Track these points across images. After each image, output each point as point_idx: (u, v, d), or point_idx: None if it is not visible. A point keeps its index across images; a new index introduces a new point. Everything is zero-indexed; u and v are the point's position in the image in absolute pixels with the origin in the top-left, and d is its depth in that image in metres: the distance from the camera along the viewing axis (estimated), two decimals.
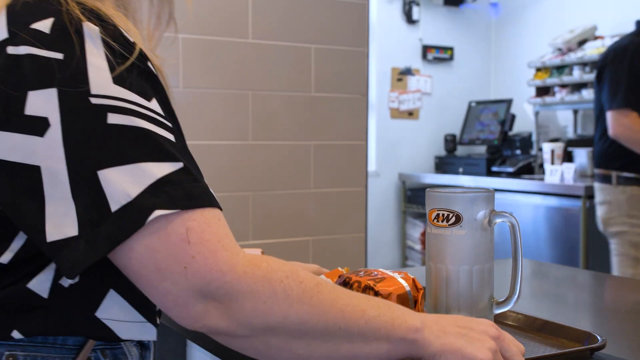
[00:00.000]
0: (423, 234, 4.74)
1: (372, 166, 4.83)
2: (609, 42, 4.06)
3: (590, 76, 3.94)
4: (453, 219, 0.94)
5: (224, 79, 2.29)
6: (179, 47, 2.20)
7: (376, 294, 0.93)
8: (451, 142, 4.89)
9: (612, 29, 4.25)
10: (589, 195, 3.64)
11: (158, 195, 0.67)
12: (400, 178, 4.85)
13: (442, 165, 4.82)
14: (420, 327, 0.74)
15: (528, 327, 0.99)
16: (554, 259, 3.81)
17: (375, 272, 0.99)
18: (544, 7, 4.82)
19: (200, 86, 2.25)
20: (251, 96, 2.33)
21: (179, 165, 0.69)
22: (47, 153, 0.67)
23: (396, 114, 4.88)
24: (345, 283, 0.98)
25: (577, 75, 4.04)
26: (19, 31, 0.70)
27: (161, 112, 0.72)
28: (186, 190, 0.69)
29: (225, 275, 0.67)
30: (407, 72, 4.89)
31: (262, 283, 0.68)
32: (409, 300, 0.95)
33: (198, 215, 0.69)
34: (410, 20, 4.87)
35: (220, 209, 0.73)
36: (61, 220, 0.67)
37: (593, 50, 4.03)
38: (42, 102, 0.68)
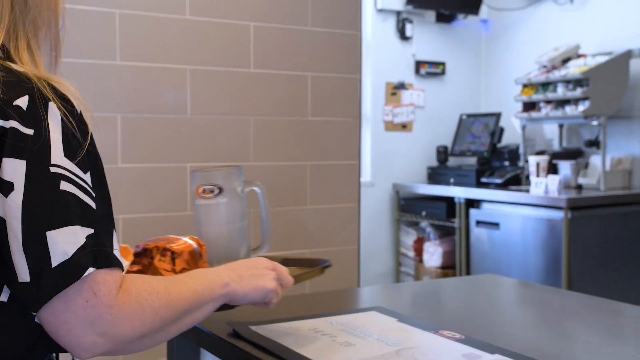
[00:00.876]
0: (416, 242, 4.94)
1: (367, 177, 5.03)
2: (590, 60, 4.27)
3: (574, 93, 4.15)
4: (217, 191, 1.29)
5: (229, 106, 2.49)
6: (186, 78, 2.41)
7: (172, 252, 1.17)
8: (443, 154, 5.09)
9: (594, 48, 4.45)
10: (571, 206, 3.85)
11: (87, 255, 0.86)
12: (394, 188, 5.05)
13: (434, 175, 5.02)
14: (228, 280, 1.03)
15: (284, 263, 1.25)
16: (539, 267, 4.01)
17: (167, 238, 1.22)
18: (531, 25, 5.03)
19: (207, 113, 2.45)
20: (253, 121, 2.53)
21: (91, 230, 0.88)
22: (9, 212, 0.85)
23: (390, 126, 5.08)
24: (146, 250, 1.18)
25: (560, 92, 4.24)
26: (6, 107, 0.88)
27: (90, 184, 0.91)
28: (99, 253, 0.88)
29: (112, 309, 0.87)
30: (401, 86, 5.09)
31: (135, 306, 0.89)
32: (196, 255, 1.21)
33: (102, 274, 0.88)
34: (403, 36, 5.08)
35: (120, 267, 0.91)
36: (20, 267, 0.85)
37: (576, 68, 4.23)
38: (12, 169, 0.86)
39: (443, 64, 5.24)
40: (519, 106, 4.58)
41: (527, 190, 4.22)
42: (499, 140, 4.88)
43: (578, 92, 4.12)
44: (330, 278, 2.66)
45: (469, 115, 5.13)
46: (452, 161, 5.17)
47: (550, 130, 4.82)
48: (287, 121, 2.60)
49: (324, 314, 1.35)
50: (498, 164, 4.79)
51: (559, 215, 3.87)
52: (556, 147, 4.74)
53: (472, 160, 5.03)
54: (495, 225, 4.30)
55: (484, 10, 5.29)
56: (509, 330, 1.34)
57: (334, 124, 2.69)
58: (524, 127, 4.68)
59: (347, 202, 2.74)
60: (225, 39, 2.48)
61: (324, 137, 2.68)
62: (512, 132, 4.94)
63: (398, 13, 5.05)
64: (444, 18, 5.19)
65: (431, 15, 5.14)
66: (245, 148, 2.52)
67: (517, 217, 4.15)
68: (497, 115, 4.89)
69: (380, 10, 4.99)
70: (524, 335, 1.31)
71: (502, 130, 4.89)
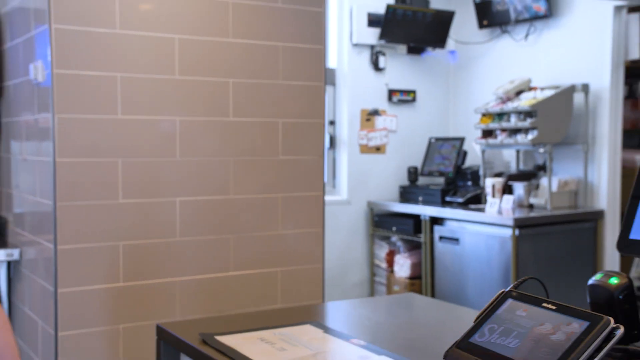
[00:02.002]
0: (388, 254, 5.41)
1: (344, 195, 5.50)
2: (539, 93, 4.75)
3: (524, 123, 4.63)
4: None
5: (212, 149, 2.95)
6: (176, 126, 2.88)
7: None
8: (413, 174, 5.57)
9: (544, 82, 4.94)
10: (518, 225, 4.32)
11: None
12: (368, 205, 5.52)
13: (405, 194, 5.49)
14: None
15: None
16: (492, 279, 4.48)
17: None
18: (492, 58, 5.51)
19: (194, 156, 2.92)
20: (233, 162, 3.00)
21: None
22: None
23: (365, 149, 5.55)
24: None
25: (513, 121, 4.72)
26: None
27: None
28: None
29: None
30: (375, 112, 5.57)
31: None
32: None
33: None
34: (377, 67, 5.55)
35: None
36: None
37: (526, 101, 4.71)
38: None
39: (414, 92, 5.72)
40: (479, 132, 5.06)
41: (484, 210, 4.70)
42: (463, 162, 5.36)
43: (527, 122, 4.61)
44: (298, 293, 3.15)
45: (438, 139, 5.60)
46: (421, 180, 5.64)
47: (509, 154, 5.31)
48: (262, 161, 3.07)
49: (272, 327, 1.82)
50: (462, 184, 5.27)
51: (508, 232, 4.35)
52: (513, 169, 5.22)
53: (440, 180, 5.50)
54: (456, 240, 4.78)
55: (451, 42, 5.77)
56: (406, 337, 1.81)
57: (302, 162, 3.16)
58: (483, 152, 5.15)
59: (313, 227, 3.21)
60: (208, 93, 2.95)
61: (294, 173, 3.15)
62: (475, 154, 5.41)
63: (372, 47, 5.53)
64: (415, 50, 5.67)
65: (402, 48, 5.62)
66: (226, 183, 2.99)
67: (474, 234, 4.63)
68: (461, 140, 5.37)
69: (356, 45, 5.47)
70: (416, 343, 1.77)
71: (465, 153, 5.36)
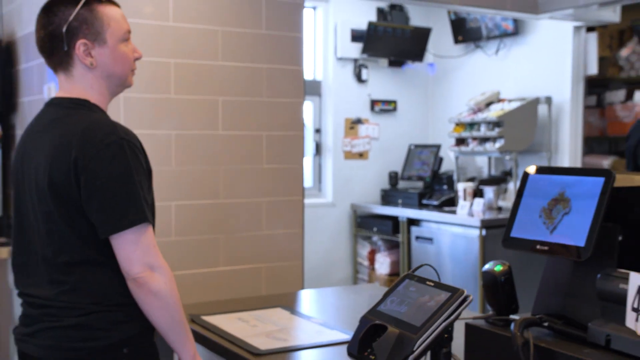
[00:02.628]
0: (370, 253, 5.80)
1: (329, 198, 5.89)
2: (507, 105, 5.15)
3: (492, 132, 5.02)
4: None
5: (203, 161, 3.34)
6: (172, 139, 3.26)
7: None
8: (394, 178, 5.96)
9: (512, 94, 5.33)
10: (485, 226, 4.72)
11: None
12: (352, 208, 5.91)
13: (387, 197, 5.88)
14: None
15: None
16: (463, 277, 4.87)
17: None
18: (466, 71, 5.90)
19: (188, 165, 3.30)
20: (222, 170, 3.39)
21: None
22: None
23: (349, 155, 5.94)
24: None
25: (482, 131, 5.12)
26: None
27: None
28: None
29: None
30: (358, 121, 5.96)
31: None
32: None
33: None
34: (360, 80, 5.95)
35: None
36: None
37: (494, 112, 5.10)
38: None
39: (395, 102, 6.11)
40: (453, 140, 5.45)
41: (456, 212, 5.09)
42: (439, 167, 5.76)
43: (495, 131, 5.00)
44: (280, 286, 3.54)
45: (417, 146, 5.99)
46: (401, 184, 6.03)
47: (481, 160, 5.70)
48: (248, 169, 3.45)
49: (250, 309, 2.21)
50: (438, 188, 5.66)
51: (476, 233, 4.74)
52: (485, 174, 5.62)
53: (419, 184, 5.89)
54: (430, 240, 5.17)
55: (430, 55, 6.16)
56: (357, 317, 2.19)
57: (284, 170, 3.55)
58: (457, 158, 5.55)
59: (293, 229, 3.60)
60: (200, 109, 3.33)
61: (276, 180, 3.53)
62: (451, 160, 5.81)
63: (355, 60, 5.92)
64: (395, 63, 6.07)
65: (384, 61, 6.01)
66: (216, 189, 3.38)
67: (447, 234, 5.02)
68: (438, 147, 5.76)
69: (340, 58, 5.86)
70: None
71: (441, 159, 5.76)
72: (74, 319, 1.63)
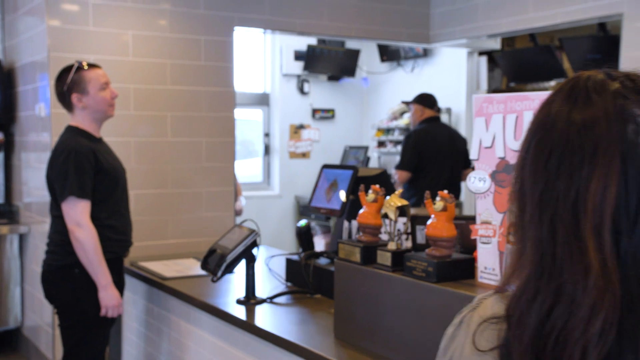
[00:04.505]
0: None
1: (277, 191, 6.97)
2: None
3: (402, 137, 6.10)
4: None
5: (156, 160, 4.41)
6: (131, 144, 4.32)
7: None
8: None
9: None
10: None
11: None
12: (296, 199, 6.99)
13: None
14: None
15: None
16: None
17: None
18: (391, 85, 6.98)
19: (144, 163, 4.37)
20: (170, 168, 4.46)
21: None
22: None
23: (294, 155, 7.02)
24: None
25: (396, 135, 6.20)
26: None
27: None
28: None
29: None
30: (301, 127, 7.04)
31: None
32: None
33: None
34: (302, 92, 7.03)
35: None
36: None
37: (405, 119, 6.19)
38: None
39: (333, 110, 7.19)
40: (376, 143, 6.54)
41: None
42: (367, 165, 6.85)
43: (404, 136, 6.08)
44: None
45: (351, 147, 7.08)
46: None
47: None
48: (191, 166, 4.52)
49: (173, 259, 3.29)
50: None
51: None
52: None
53: None
54: None
55: (364, 69, 7.24)
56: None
57: (218, 168, 4.62)
58: (379, 157, 6.64)
59: (226, 211, 4.67)
60: (153, 122, 4.39)
61: (213, 175, 4.60)
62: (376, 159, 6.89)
63: (298, 76, 7.00)
64: (333, 77, 7.14)
65: (323, 76, 7.09)
66: (166, 182, 4.44)
67: None
68: (366, 148, 6.85)
69: (285, 74, 6.94)
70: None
71: (368, 158, 6.85)
72: (51, 247, 2.76)
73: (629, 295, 0.75)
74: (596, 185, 0.77)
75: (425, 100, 5.39)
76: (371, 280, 1.83)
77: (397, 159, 6.61)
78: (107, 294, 2.75)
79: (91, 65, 2.97)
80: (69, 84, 2.87)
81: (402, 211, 1.81)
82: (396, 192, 1.83)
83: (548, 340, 0.77)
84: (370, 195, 1.94)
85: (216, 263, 2.35)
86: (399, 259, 1.77)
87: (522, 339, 0.81)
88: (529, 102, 1.50)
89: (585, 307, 0.75)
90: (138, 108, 4.33)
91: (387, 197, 1.85)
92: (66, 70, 2.94)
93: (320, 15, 4.90)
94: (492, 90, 6.59)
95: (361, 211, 1.98)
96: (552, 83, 6.18)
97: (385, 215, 1.82)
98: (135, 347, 3.35)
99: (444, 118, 6.26)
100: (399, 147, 6.17)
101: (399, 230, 1.91)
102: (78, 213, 2.72)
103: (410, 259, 1.70)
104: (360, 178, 2.54)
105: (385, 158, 6.81)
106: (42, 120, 4.26)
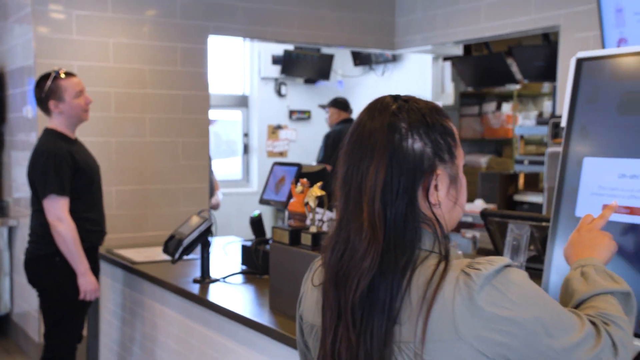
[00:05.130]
0: None
1: (255, 188, 7.31)
2: None
3: None
4: None
5: (135, 158, 4.75)
6: (112, 144, 4.67)
7: None
8: None
9: None
10: None
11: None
12: None
13: None
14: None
15: None
16: None
17: None
18: (363, 87, 7.34)
19: (125, 161, 4.71)
20: (149, 165, 4.80)
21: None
22: None
23: (271, 154, 7.37)
24: None
25: None
26: None
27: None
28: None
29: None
30: (279, 127, 7.39)
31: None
32: None
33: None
34: (280, 94, 7.38)
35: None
36: None
37: None
38: None
39: (309, 111, 7.54)
40: None
41: None
42: None
43: None
44: None
45: None
46: None
47: None
48: (169, 165, 4.86)
49: (145, 247, 3.64)
50: None
51: None
52: None
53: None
54: None
55: (339, 73, 7.60)
56: None
57: (194, 166, 4.96)
58: None
59: (202, 206, 5.01)
60: (133, 123, 4.74)
61: (189, 172, 4.95)
62: None
63: (276, 79, 7.34)
64: (310, 80, 7.50)
65: (300, 79, 7.44)
66: (145, 178, 4.78)
67: None
68: None
69: (263, 78, 7.28)
70: None
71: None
72: (34, 238, 3.10)
73: (388, 246, 1.11)
74: (372, 172, 1.12)
75: (340, 104, 6.28)
76: (296, 258, 2.19)
77: None
78: (86, 280, 3.09)
79: (67, 74, 3.29)
80: (46, 91, 3.20)
81: (321, 200, 2.16)
82: (317, 185, 2.19)
83: (339, 273, 1.14)
84: (299, 187, 2.30)
85: (174, 247, 2.71)
86: (319, 239, 2.13)
87: (327, 273, 1.17)
88: None
89: (360, 252, 1.12)
90: (119, 110, 4.67)
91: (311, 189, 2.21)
92: (44, 78, 3.25)
93: (291, 24, 5.25)
94: (460, 93, 6.97)
95: (291, 201, 2.33)
96: (505, 88, 6.57)
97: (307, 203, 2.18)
98: (109, 325, 3.69)
99: None
100: None
101: (318, 215, 2.27)
102: (59, 209, 3.05)
103: (323, 238, 2.06)
104: (304, 173, 2.90)
105: None
106: (29, 122, 4.60)
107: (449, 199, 1.19)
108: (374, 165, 1.13)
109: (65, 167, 3.10)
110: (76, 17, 4.47)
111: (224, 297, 2.61)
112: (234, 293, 2.68)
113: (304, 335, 1.30)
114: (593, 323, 1.15)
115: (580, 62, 1.55)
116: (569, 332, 1.10)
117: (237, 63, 7.30)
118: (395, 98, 1.21)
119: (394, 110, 1.17)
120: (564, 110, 1.70)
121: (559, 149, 1.66)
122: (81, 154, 3.29)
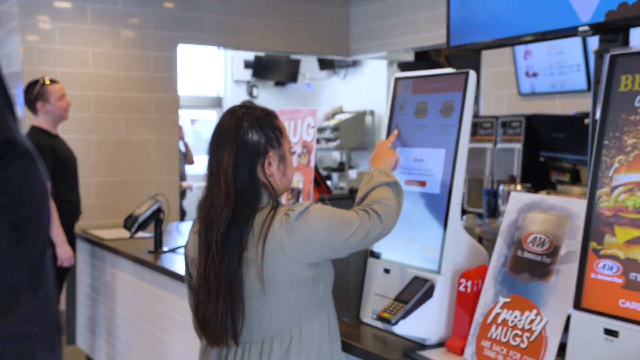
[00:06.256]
0: None
1: None
2: (344, 115, 7.17)
3: (331, 135, 7.05)
4: None
5: (112, 153, 5.33)
6: (91, 141, 5.25)
7: None
8: None
9: (351, 108, 7.37)
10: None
11: None
12: None
13: None
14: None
15: None
16: None
17: None
18: (329, 90, 7.93)
19: (104, 156, 5.30)
20: (125, 159, 5.38)
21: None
22: None
23: None
24: None
25: (327, 133, 7.15)
26: None
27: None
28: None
29: None
30: None
31: None
32: None
33: None
34: (252, 96, 7.96)
35: None
36: None
37: (336, 120, 7.14)
38: None
39: None
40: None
41: None
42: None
43: (333, 134, 7.04)
44: None
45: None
46: None
47: (336, 154, 7.75)
48: (142, 159, 5.44)
49: (118, 228, 4.22)
50: None
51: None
52: (337, 165, 7.66)
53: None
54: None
55: (307, 76, 8.18)
56: None
57: (165, 160, 5.54)
58: (316, 153, 7.59)
59: (172, 195, 5.59)
60: (110, 123, 5.31)
61: (161, 166, 5.52)
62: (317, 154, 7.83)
63: (248, 82, 7.93)
64: (280, 83, 8.08)
65: (270, 82, 8.03)
66: (120, 171, 5.36)
67: None
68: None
69: (236, 80, 7.87)
70: None
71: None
72: None
73: (237, 203, 1.69)
74: (226, 157, 1.70)
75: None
76: None
77: (327, 154, 7.57)
78: (63, 250, 3.67)
79: (52, 81, 3.89)
80: (35, 94, 3.80)
81: None
82: None
83: (207, 222, 1.71)
84: None
85: (132, 223, 3.29)
86: None
87: (200, 223, 1.76)
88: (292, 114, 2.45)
89: (219, 207, 1.70)
90: (98, 111, 5.25)
91: None
92: (33, 84, 3.86)
93: (253, 33, 5.84)
94: None
95: None
96: None
97: None
98: (84, 295, 4.28)
99: (368, 119, 7.22)
100: (330, 144, 7.13)
101: None
102: None
103: None
104: None
105: (323, 154, 7.76)
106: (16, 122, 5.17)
107: (279, 171, 1.78)
108: (227, 152, 1.71)
109: (47, 157, 3.67)
110: (59, 28, 5.05)
111: (170, 263, 3.20)
112: (179, 260, 3.27)
113: (188, 268, 1.88)
114: (365, 211, 1.74)
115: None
116: (351, 227, 1.70)
117: (211, 67, 7.89)
118: (242, 107, 1.80)
119: (239, 115, 1.76)
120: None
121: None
122: (61, 147, 3.87)
